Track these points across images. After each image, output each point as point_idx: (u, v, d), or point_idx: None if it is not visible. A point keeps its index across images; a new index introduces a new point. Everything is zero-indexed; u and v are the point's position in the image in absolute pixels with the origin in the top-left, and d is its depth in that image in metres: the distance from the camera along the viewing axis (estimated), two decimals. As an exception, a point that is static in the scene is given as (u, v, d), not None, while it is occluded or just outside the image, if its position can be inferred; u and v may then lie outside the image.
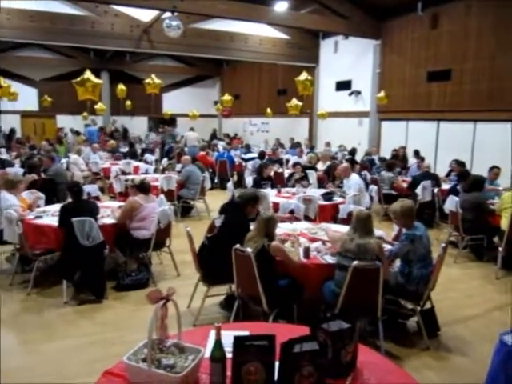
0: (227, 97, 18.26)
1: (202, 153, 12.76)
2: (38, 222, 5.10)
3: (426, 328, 3.86)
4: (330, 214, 6.35)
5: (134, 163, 11.24)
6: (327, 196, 6.77)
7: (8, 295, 4.85)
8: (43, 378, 3.30)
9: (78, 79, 9.06)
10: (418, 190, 7.93)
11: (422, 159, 9.95)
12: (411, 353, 3.78)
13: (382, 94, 13.16)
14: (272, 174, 8.54)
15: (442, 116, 12.22)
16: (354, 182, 7.12)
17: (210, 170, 11.69)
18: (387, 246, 4.05)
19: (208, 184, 9.09)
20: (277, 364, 1.79)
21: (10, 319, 4.33)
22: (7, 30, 12.49)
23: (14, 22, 12.42)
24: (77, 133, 18.04)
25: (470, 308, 4.76)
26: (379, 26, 13.90)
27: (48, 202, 6.38)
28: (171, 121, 22.50)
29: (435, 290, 4.01)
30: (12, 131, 18.98)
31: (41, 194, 6.16)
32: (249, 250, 3.60)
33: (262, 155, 11.92)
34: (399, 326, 4.17)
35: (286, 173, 9.38)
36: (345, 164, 7.85)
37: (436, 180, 8.40)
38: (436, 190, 7.92)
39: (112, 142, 14.93)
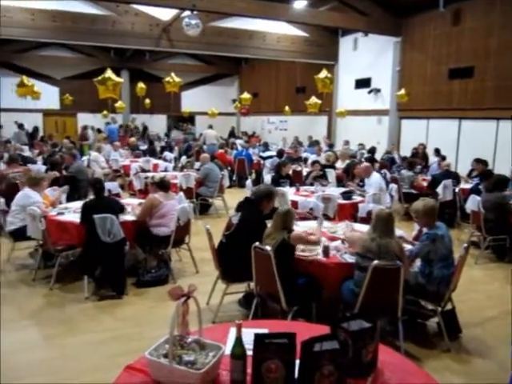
0: (246, 95, 18.29)
1: (221, 151, 12.80)
2: (61, 218, 5.18)
3: (446, 329, 3.80)
4: (349, 212, 6.30)
5: (154, 161, 11.35)
6: (346, 195, 6.72)
7: (31, 290, 4.96)
8: (65, 372, 3.37)
9: (100, 78, 9.17)
10: (439, 189, 7.82)
11: (443, 158, 9.82)
12: (431, 354, 3.74)
13: (402, 91, 13.00)
14: (290, 172, 8.52)
15: (463, 114, 12.02)
16: (374, 180, 7.05)
17: (229, 168, 11.72)
18: (407, 246, 4.01)
19: (226, 182, 9.12)
20: (297, 362, 1.79)
21: (33, 313, 4.43)
22: (31, 30, 12.74)
23: (37, 22, 12.66)
24: (98, 130, 18.29)
25: (491, 309, 4.67)
26: (399, 22, 13.73)
27: (69, 198, 6.50)
28: (190, 119, 22.64)
29: (456, 291, 3.95)
30: (35, 129, 19.32)
31: (66, 187, 6.27)
32: (268, 248, 3.61)
33: (280, 153, 11.90)
34: (419, 327, 4.12)
35: (305, 171, 9.35)
36: (366, 163, 7.77)
37: (456, 179, 8.27)
38: (457, 189, 7.80)
39: (133, 139, 15.11)
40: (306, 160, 11.85)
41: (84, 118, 21.12)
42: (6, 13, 12.17)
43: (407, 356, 3.39)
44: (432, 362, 3.60)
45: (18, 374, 3.37)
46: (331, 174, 8.74)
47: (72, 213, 5.32)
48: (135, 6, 13.52)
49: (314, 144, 14.24)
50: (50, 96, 20.02)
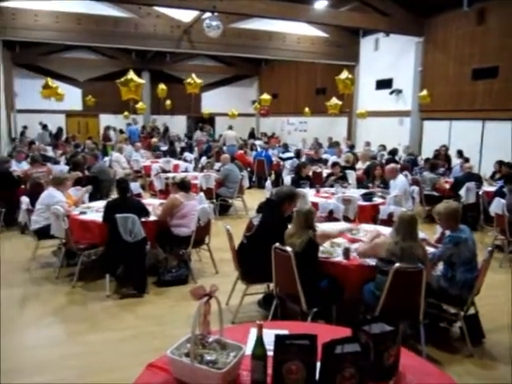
0: (265, 96, 18.29)
1: (241, 152, 12.84)
2: (83, 217, 5.27)
3: (469, 334, 3.74)
4: (369, 214, 6.25)
5: (174, 161, 11.44)
6: (367, 196, 6.67)
7: (55, 287, 5.06)
8: (87, 368, 3.43)
9: (122, 79, 9.31)
10: (462, 192, 7.70)
11: (467, 160, 9.64)
12: (453, 359, 3.68)
13: (424, 92, 12.84)
14: (310, 173, 8.49)
15: (487, 115, 11.79)
16: (400, 182, 6.96)
17: (248, 169, 11.75)
18: (430, 249, 3.95)
19: (246, 183, 9.14)
20: (318, 364, 1.79)
21: (56, 310, 4.52)
22: (57, 33, 13.01)
23: (62, 25, 12.91)
24: (120, 131, 18.54)
25: (516, 315, 4.57)
26: (422, 22, 13.56)
27: (91, 198, 6.60)
28: (210, 120, 22.77)
29: (479, 295, 3.88)
30: (59, 130, 19.70)
31: (89, 187, 6.38)
32: (289, 248, 3.60)
33: (298, 154, 11.86)
34: (441, 331, 4.06)
35: (325, 172, 9.31)
36: (392, 165, 7.64)
37: (479, 181, 8.12)
38: (481, 191, 7.66)
39: (154, 140, 15.28)
40: (326, 161, 11.80)
41: (106, 119, 21.45)
42: (32, 16, 12.45)
43: (429, 360, 3.36)
44: (454, 366, 3.54)
45: (42, 368, 3.45)
46: (351, 176, 8.67)
47: (94, 212, 5.41)
48: (157, 8, 13.67)
49: (334, 145, 14.16)
50: (72, 97, 20.38)
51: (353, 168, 9.38)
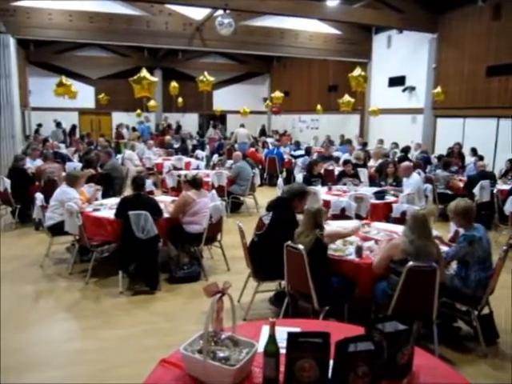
0: (278, 93, 18.24)
1: (252, 149, 12.84)
2: (96, 214, 5.31)
3: (483, 334, 3.69)
4: (382, 212, 6.21)
5: (186, 159, 11.48)
6: (379, 194, 6.62)
7: (68, 284, 5.11)
8: (101, 363, 3.47)
9: (135, 77, 9.33)
10: (476, 190, 7.60)
11: (481, 158, 9.52)
12: (466, 359, 3.64)
13: (438, 89, 12.69)
14: (322, 171, 8.46)
15: (502, 113, 11.62)
16: (414, 181, 6.89)
17: (260, 167, 11.74)
18: (444, 248, 3.91)
19: (258, 180, 9.14)
20: (331, 362, 1.78)
21: (70, 306, 4.57)
22: (70, 31, 13.11)
23: (75, 23, 13.00)
24: (133, 129, 18.67)
25: (531, 315, 4.51)
26: (436, 19, 13.40)
27: (104, 195, 6.66)
28: (221, 117, 22.79)
29: (494, 295, 3.84)
30: (73, 127, 19.88)
31: (99, 187, 6.44)
32: (300, 246, 3.59)
33: (308, 151, 11.81)
34: (454, 331, 4.02)
35: (337, 170, 9.27)
36: (406, 163, 7.57)
37: (493, 179, 8.01)
38: (495, 190, 7.56)
39: (168, 137, 15.36)
40: (337, 159, 11.74)
41: (118, 117, 21.60)
42: (46, 15, 12.57)
43: (441, 360, 3.32)
44: (467, 367, 3.51)
45: (56, 363, 3.49)
46: (363, 174, 8.61)
47: (107, 209, 5.44)
48: (169, 6, 13.71)
49: (346, 143, 14.08)
50: (85, 95, 20.53)
51: (364, 165, 9.31)
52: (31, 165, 8.52)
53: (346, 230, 4.08)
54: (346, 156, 11.13)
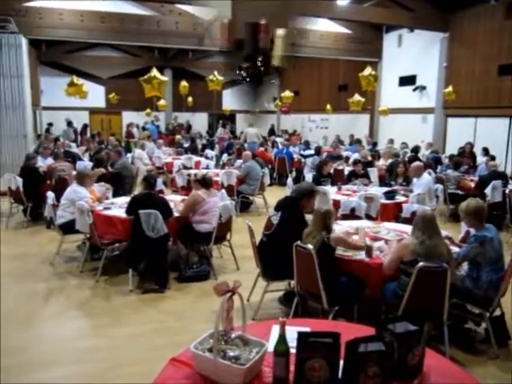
0: (288, 93, 18.20)
1: (261, 149, 12.83)
2: (107, 213, 5.35)
3: (494, 336, 3.66)
4: (392, 212, 6.17)
5: (196, 158, 11.51)
6: (389, 194, 6.59)
7: (79, 282, 5.15)
8: (111, 361, 3.49)
9: (145, 77, 9.38)
10: (488, 190, 7.52)
11: (493, 157, 9.42)
12: (477, 361, 3.61)
13: (449, 88, 12.58)
14: (332, 171, 8.43)
15: (514, 112, 11.52)
16: (424, 181, 6.84)
17: (269, 166, 11.73)
18: (454, 249, 3.88)
19: (267, 180, 9.14)
20: (341, 362, 1.78)
21: (81, 304, 4.60)
22: (81, 31, 13.19)
23: (86, 24, 13.08)
24: (143, 128, 18.75)
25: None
26: (447, 18, 13.29)
27: (115, 194, 6.69)
28: (230, 117, 22.80)
29: (506, 296, 3.79)
30: (84, 126, 20.03)
31: (109, 185, 6.48)
32: (310, 246, 3.59)
33: (318, 151, 11.77)
34: (465, 332, 3.99)
35: (346, 170, 9.23)
36: (417, 163, 7.51)
37: (504, 179, 7.93)
38: (507, 190, 7.48)
39: (178, 136, 15.41)
40: (347, 159, 11.69)
41: (128, 116, 21.70)
42: (57, 15, 12.67)
43: (452, 361, 3.30)
44: (477, 368, 3.47)
45: (66, 360, 3.52)
46: (373, 173, 8.57)
47: (118, 208, 5.48)
48: (179, 6, 13.77)
49: (356, 143, 14.02)
50: (96, 95, 20.66)
51: (371, 165, 9.26)
52: (42, 163, 8.58)
53: (352, 244, 3.88)
54: (355, 156, 11.07)
